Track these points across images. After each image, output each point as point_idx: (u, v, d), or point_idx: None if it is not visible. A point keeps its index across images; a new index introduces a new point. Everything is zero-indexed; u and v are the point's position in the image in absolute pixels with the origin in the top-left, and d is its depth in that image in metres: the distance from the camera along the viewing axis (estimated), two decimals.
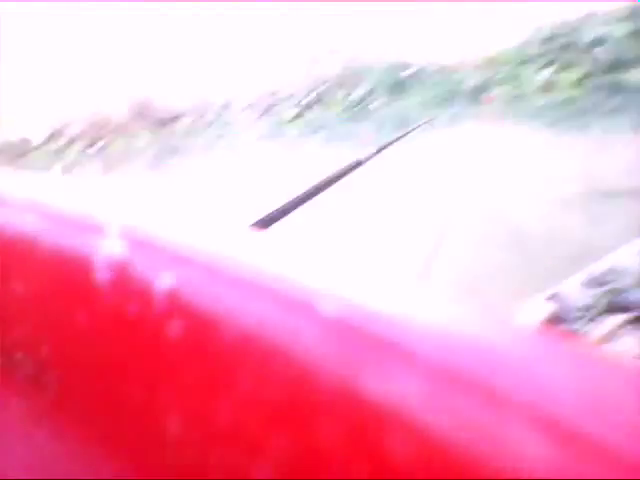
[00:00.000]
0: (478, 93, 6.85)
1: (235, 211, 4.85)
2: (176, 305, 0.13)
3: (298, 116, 8.78)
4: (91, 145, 10.08)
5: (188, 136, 10.14)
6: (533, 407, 0.07)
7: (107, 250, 0.14)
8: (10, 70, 10.98)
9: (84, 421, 0.16)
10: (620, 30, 6.27)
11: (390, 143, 2.90)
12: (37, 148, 9.68)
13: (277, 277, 0.13)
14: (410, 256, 2.67)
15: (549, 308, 1.56)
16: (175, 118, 10.36)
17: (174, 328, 0.12)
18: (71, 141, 10.01)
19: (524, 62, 6.94)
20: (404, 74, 8.10)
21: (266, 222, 1.01)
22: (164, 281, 0.13)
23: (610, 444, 0.07)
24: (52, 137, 9.84)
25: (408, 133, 5.05)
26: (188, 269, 0.13)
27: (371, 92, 8.12)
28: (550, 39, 7.03)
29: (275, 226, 1.04)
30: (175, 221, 0.17)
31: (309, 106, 8.71)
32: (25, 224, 0.16)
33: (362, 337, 0.09)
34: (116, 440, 0.15)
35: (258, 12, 10.64)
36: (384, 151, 2.31)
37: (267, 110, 9.42)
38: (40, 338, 0.16)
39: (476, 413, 0.08)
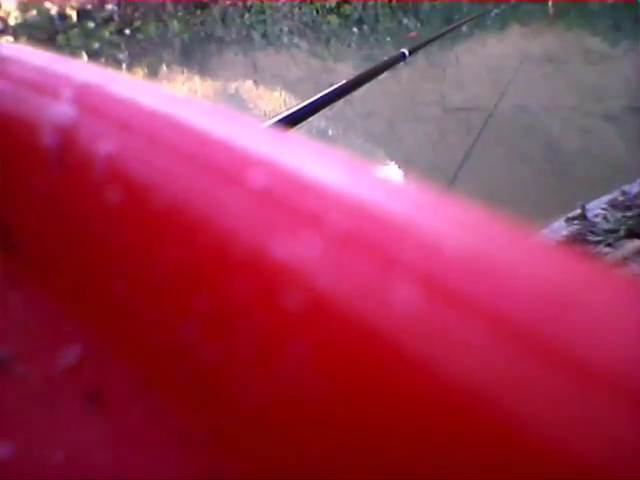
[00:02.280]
0: None
1: (269, 104, 4.73)
2: (114, 171, 0.15)
3: (340, 4, 8.23)
4: (124, 28, 9.80)
5: (223, 22, 9.73)
6: (418, 267, 0.08)
7: (56, 114, 0.16)
8: None
9: (48, 283, 0.19)
10: None
11: (436, 37, 2.72)
12: (73, 26, 9.48)
13: (214, 146, 0.13)
14: (441, 158, 2.60)
15: (571, 228, 1.50)
16: (212, 1, 9.86)
17: (112, 194, 0.15)
18: (105, 21, 9.75)
19: None
20: None
21: (313, 109, 0.99)
22: (104, 147, 0.15)
23: (495, 308, 0.08)
24: (87, 16, 9.58)
25: (456, 28, 4.72)
26: (129, 136, 0.15)
27: None
28: None
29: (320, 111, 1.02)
30: (132, 86, 0.17)
31: None
32: None
33: (279, 206, 0.11)
34: (72, 299, 0.18)
35: None
36: (428, 45, 2.16)
37: None
38: (3, 203, 0.19)
39: (364, 272, 0.09)
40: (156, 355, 0.16)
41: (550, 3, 5.79)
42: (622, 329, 0.08)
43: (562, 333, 0.08)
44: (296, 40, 7.65)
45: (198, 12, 9.26)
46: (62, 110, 0.16)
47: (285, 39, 7.77)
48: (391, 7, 7.66)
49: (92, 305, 0.17)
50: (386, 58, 1.56)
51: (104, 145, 0.15)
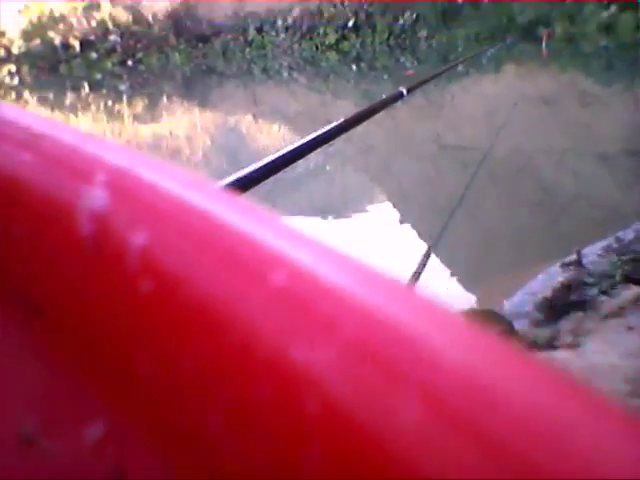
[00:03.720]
0: (535, 28, 6.39)
1: (268, 138, 4.76)
2: (147, 262, 0.15)
3: (339, 41, 8.42)
4: (126, 59, 9.96)
5: (225, 56, 9.91)
6: (421, 382, 0.09)
7: (91, 200, 0.16)
8: None
9: (73, 356, 0.19)
10: None
11: (433, 76, 2.76)
12: (75, 57, 9.62)
13: (242, 242, 0.13)
14: (436, 196, 2.60)
15: (567, 274, 1.49)
16: (213, 35, 10.07)
17: (144, 283, 0.15)
18: (108, 52, 9.91)
19: None
20: (457, 2, 7.59)
21: (315, 143, 1.00)
22: (138, 238, 0.15)
23: (487, 429, 0.08)
24: (90, 46, 9.74)
25: (452, 67, 4.80)
26: (161, 226, 0.15)
27: (418, 19, 7.66)
28: None
29: (318, 148, 1.03)
30: (163, 171, 0.17)
31: (352, 31, 8.31)
32: (22, 163, 0.18)
33: (298, 309, 0.12)
34: (97, 374, 0.18)
35: None
36: (427, 84, 2.19)
37: (308, 32, 9.04)
38: (33, 276, 0.19)
39: (373, 383, 0.10)
40: (178, 440, 0.16)
41: (544, 44, 5.92)
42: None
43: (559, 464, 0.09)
44: (295, 75, 7.78)
45: (200, 45, 9.44)
46: (96, 195, 0.17)
47: (285, 74, 7.90)
48: (389, 45, 7.83)
49: (117, 383, 0.17)
50: (384, 96, 1.58)
51: (137, 235, 0.15)
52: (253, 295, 0.13)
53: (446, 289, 1.70)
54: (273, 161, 0.89)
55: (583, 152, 3.11)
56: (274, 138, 4.55)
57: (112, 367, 0.17)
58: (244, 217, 0.15)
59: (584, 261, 1.53)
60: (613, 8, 6.22)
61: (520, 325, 1.35)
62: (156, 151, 4.28)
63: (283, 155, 0.92)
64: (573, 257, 1.54)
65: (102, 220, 0.16)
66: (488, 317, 1.41)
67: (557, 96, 4.69)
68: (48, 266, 0.19)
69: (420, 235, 2.27)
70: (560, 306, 1.34)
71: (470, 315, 1.40)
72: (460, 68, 5.02)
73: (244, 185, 0.79)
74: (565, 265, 1.54)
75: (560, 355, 1.25)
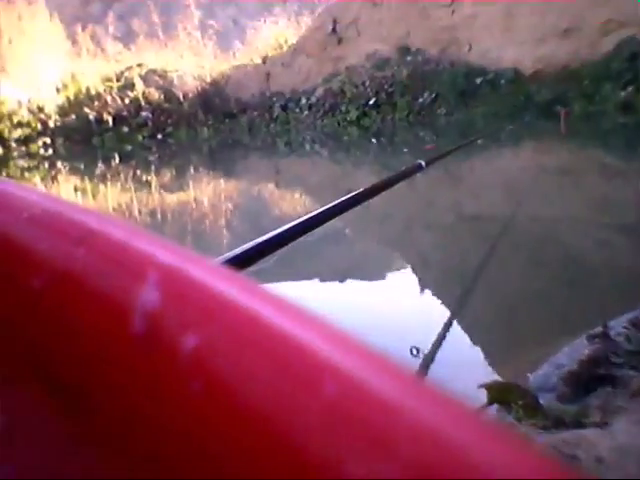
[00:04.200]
0: (553, 107, 6.55)
1: (290, 205, 4.82)
2: (198, 365, 0.15)
3: (361, 117, 8.76)
4: (156, 133, 10.49)
5: (250, 131, 10.36)
6: None
7: (143, 299, 0.17)
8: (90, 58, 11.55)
9: (111, 452, 0.18)
10: None
11: (452, 150, 2.81)
12: (108, 130, 10.18)
13: (294, 349, 0.14)
14: (456, 264, 2.56)
15: (593, 347, 1.43)
16: (240, 112, 10.60)
17: (194, 385, 0.16)
18: (139, 127, 10.47)
19: (605, 78, 6.59)
20: (476, 81, 7.89)
21: (332, 213, 1.02)
22: (189, 340, 0.16)
23: None
24: (122, 121, 10.31)
25: (472, 142, 4.90)
26: (213, 329, 0.16)
27: (437, 98, 7.96)
28: (636, 56, 6.63)
29: (336, 217, 1.04)
30: (213, 272, 0.17)
31: (373, 108, 8.65)
32: (77, 259, 0.18)
33: (349, 423, 0.12)
34: (135, 473, 0.17)
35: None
36: (446, 157, 2.22)
37: (331, 109, 9.45)
38: (77, 366, 0.19)
39: None
40: None
41: (562, 122, 6.04)
42: None
43: None
44: (317, 148, 8.04)
45: (227, 121, 9.90)
46: (148, 294, 0.16)
47: (307, 147, 8.17)
48: (408, 121, 8.08)
49: None
50: (404, 168, 1.60)
51: (189, 336, 0.15)
52: (304, 405, 0.13)
53: (468, 360, 1.63)
54: (293, 227, 0.89)
55: (605, 223, 3.07)
56: (296, 205, 4.62)
57: (152, 465, 0.17)
58: (293, 320, 0.15)
59: (611, 333, 1.48)
60: (630, 88, 6.36)
61: (545, 400, 1.29)
62: (181, 217, 4.36)
63: (303, 222, 0.92)
64: (599, 329, 1.49)
65: (154, 320, 0.16)
66: (511, 390, 1.35)
67: (577, 169, 4.71)
68: (97, 359, 0.18)
69: (440, 303, 2.22)
70: (587, 381, 1.26)
71: (493, 388, 1.33)
72: (479, 142, 5.12)
73: (263, 251, 0.78)
74: (591, 337, 1.47)
75: (588, 434, 1.18)
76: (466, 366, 1.54)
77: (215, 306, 0.16)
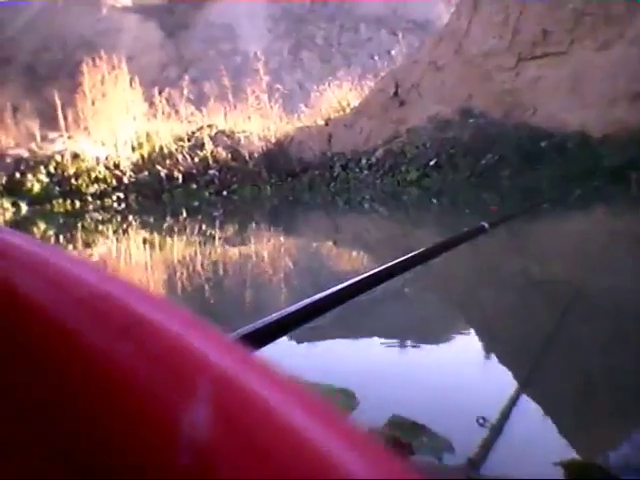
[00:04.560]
0: (623, 172, 6.34)
1: (348, 263, 4.81)
2: None
3: (421, 178, 8.80)
4: (222, 189, 10.95)
5: (311, 189, 10.61)
6: None
7: (191, 419, 0.14)
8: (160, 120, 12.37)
9: None
10: None
11: (518, 213, 2.75)
12: (177, 187, 10.73)
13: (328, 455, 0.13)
14: (524, 330, 2.45)
15: None
16: (302, 171, 10.92)
17: None
18: (206, 184, 10.98)
19: None
20: (541, 144, 7.79)
21: (399, 268, 1.01)
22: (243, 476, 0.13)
23: None
24: (191, 179, 10.85)
25: (538, 205, 4.75)
26: (273, 467, 0.13)
27: (502, 159, 7.90)
28: None
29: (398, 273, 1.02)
30: (274, 378, 0.15)
31: (434, 169, 8.69)
32: (120, 353, 0.16)
33: None
34: None
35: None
36: (511, 220, 2.17)
37: (391, 169, 9.57)
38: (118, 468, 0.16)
39: None
40: None
41: (633, 186, 5.83)
42: None
43: None
44: (377, 207, 8.10)
45: (289, 179, 10.20)
46: (198, 412, 0.14)
47: (366, 205, 8.25)
48: (470, 183, 8.02)
49: None
50: (466, 229, 1.57)
51: (242, 473, 0.13)
52: None
53: (539, 434, 1.53)
54: (352, 285, 0.89)
55: None
56: (354, 263, 4.62)
57: None
58: (320, 422, 0.13)
59: None
60: None
61: None
62: (242, 270, 4.44)
63: (362, 280, 0.91)
64: None
65: (202, 450, 0.14)
66: (592, 470, 1.25)
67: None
68: (134, 465, 0.16)
69: (508, 371, 2.12)
70: None
71: (571, 467, 1.24)
72: (545, 206, 5.00)
73: (322, 308, 0.78)
74: None
75: None
76: (537, 440, 1.45)
77: (275, 436, 0.13)
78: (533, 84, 9.19)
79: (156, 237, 6.35)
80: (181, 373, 0.15)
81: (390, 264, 1.03)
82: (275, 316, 0.70)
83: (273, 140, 11.08)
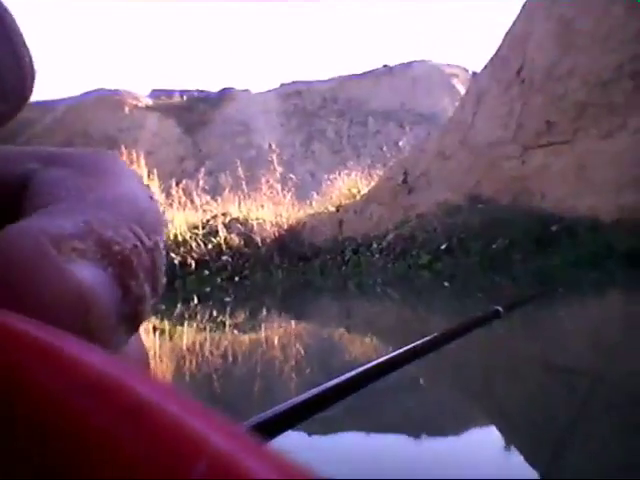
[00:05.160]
0: (636, 255, 6.30)
1: (360, 349, 4.71)
2: None
3: (432, 261, 8.81)
4: (234, 275, 11.02)
5: (323, 273, 10.65)
6: None
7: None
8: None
9: None
10: None
11: (532, 298, 2.71)
12: (190, 274, 10.82)
13: None
14: (542, 421, 2.34)
15: None
16: (314, 255, 11.02)
17: None
18: (219, 270, 11.06)
19: None
20: (552, 228, 7.84)
21: (411, 355, 0.97)
22: None
23: None
24: (204, 265, 10.98)
25: (553, 290, 4.68)
26: None
27: (513, 244, 7.92)
28: None
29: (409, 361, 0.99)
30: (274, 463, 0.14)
31: (445, 253, 8.71)
32: (122, 438, 0.15)
33: None
34: None
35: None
36: (525, 305, 2.14)
37: (402, 253, 9.62)
38: None
39: None
40: None
41: None
42: None
43: None
44: (389, 291, 8.05)
45: (301, 264, 10.26)
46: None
47: (378, 289, 8.20)
48: (481, 266, 8.00)
49: None
50: (480, 314, 1.54)
51: None
52: None
53: None
54: (364, 372, 0.85)
55: None
56: (366, 349, 4.52)
57: None
58: None
59: None
60: None
61: None
62: (250, 358, 4.36)
63: (374, 367, 0.87)
64: None
65: None
66: None
67: None
68: None
69: (527, 463, 2.01)
70: None
71: None
72: (560, 291, 4.94)
73: (330, 399, 0.74)
74: None
75: None
76: None
77: None
78: (540, 171, 9.42)
79: (166, 324, 6.31)
80: (179, 454, 0.15)
81: (402, 350, 0.99)
82: (283, 406, 0.68)
83: (285, 226, 11.29)
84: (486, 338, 3.85)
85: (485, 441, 2.33)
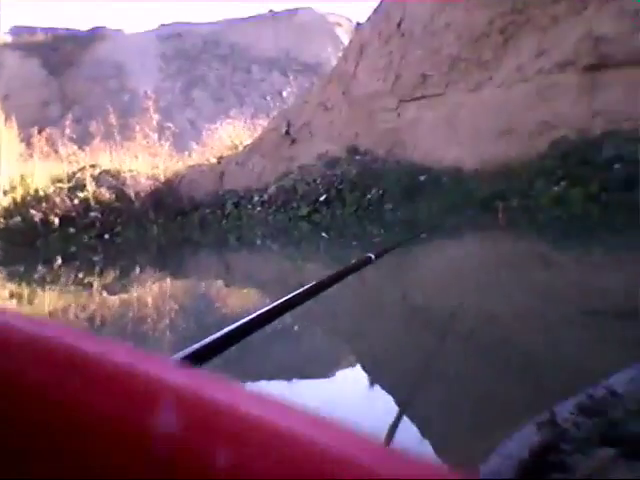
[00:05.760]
0: (492, 202, 6.82)
1: (239, 303, 4.68)
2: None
3: (312, 213, 8.91)
4: (104, 233, 10.33)
5: (202, 228, 10.35)
6: None
7: (163, 425, 0.17)
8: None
9: None
10: (638, 150, 6.29)
11: (400, 244, 2.84)
12: (54, 231, 9.96)
13: (315, 456, 0.16)
14: (406, 357, 2.50)
15: (542, 434, 1.40)
16: (192, 209, 10.64)
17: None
18: (86, 227, 10.30)
19: (539, 175, 6.97)
20: (420, 178, 8.22)
21: (283, 308, 1.00)
22: (219, 461, 0.16)
23: None
24: (70, 221, 10.14)
25: (418, 236, 4.96)
26: (240, 448, 0.16)
27: (384, 194, 8.22)
28: (568, 154, 7.11)
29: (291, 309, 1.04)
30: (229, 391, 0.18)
31: (324, 204, 8.85)
32: (73, 388, 0.19)
33: None
34: None
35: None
36: (394, 250, 2.23)
37: (283, 205, 9.61)
38: None
39: None
40: None
41: (500, 215, 6.28)
42: None
43: None
44: (268, 243, 8.05)
45: (179, 219, 9.87)
46: (165, 419, 0.16)
47: (258, 242, 8.17)
48: (357, 215, 8.24)
49: None
50: (353, 261, 1.59)
51: (215, 459, 0.15)
52: None
53: (417, 453, 1.50)
54: (243, 325, 0.84)
55: (547, 314, 3.07)
56: (245, 303, 4.48)
57: None
58: (304, 425, 0.16)
59: (558, 419, 1.45)
60: (563, 184, 6.72)
61: None
62: (121, 319, 4.14)
63: (252, 320, 0.88)
64: (547, 416, 1.45)
65: (175, 442, 0.16)
66: None
67: (517, 261, 4.81)
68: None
69: (391, 396, 2.15)
70: (538, 468, 1.28)
71: None
72: (424, 236, 5.22)
73: (212, 351, 0.75)
74: (539, 424, 1.46)
75: None
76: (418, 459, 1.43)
77: (238, 426, 0.16)
78: (413, 123, 9.76)
79: (25, 288, 5.79)
80: (141, 393, 0.17)
81: (280, 301, 1.01)
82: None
83: (162, 179, 10.73)
84: (359, 284, 3.98)
85: (354, 378, 2.47)
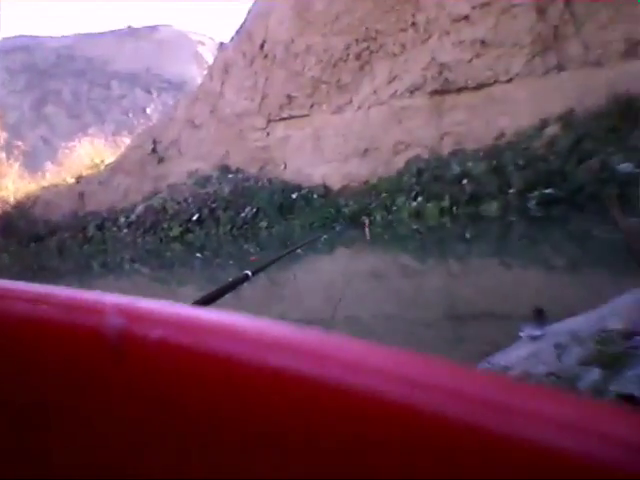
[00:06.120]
0: (358, 217, 7.22)
1: None
2: (165, 354, 0.20)
3: (184, 233, 8.70)
4: None
5: (61, 254, 9.56)
6: None
7: (111, 323, 0.21)
8: None
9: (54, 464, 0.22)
10: (481, 167, 7.10)
11: (275, 260, 2.91)
12: None
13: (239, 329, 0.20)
14: None
15: None
16: (49, 234, 9.80)
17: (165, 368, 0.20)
18: None
19: (399, 191, 7.55)
20: (292, 196, 8.45)
21: None
22: (154, 333, 0.20)
23: None
24: None
25: (291, 251, 5.07)
26: (171, 327, 0.20)
27: (259, 213, 8.30)
28: (422, 171, 7.79)
29: None
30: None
31: (196, 224, 8.68)
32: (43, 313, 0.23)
33: None
34: None
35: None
36: (269, 267, 2.27)
37: (153, 226, 9.25)
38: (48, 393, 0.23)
39: None
40: None
41: (366, 230, 6.68)
42: None
43: None
44: (137, 267, 7.68)
45: (33, 245, 9.05)
46: (115, 320, 0.20)
47: (127, 266, 7.76)
48: (232, 234, 8.22)
49: None
50: (230, 279, 1.59)
51: (152, 333, 0.19)
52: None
53: None
54: None
55: (409, 318, 3.33)
56: None
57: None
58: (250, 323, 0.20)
59: None
60: (419, 199, 7.34)
61: None
62: None
63: None
64: None
65: (121, 330, 0.20)
66: None
67: (383, 271, 5.15)
68: (67, 378, 0.21)
69: None
70: None
71: None
72: (299, 252, 5.37)
73: None
74: None
75: None
76: None
77: (170, 316, 0.20)
78: (282, 142, 10.01)
79: None
80: (92, 307, 0.21)
81: None
82: None
83: (12, 202, 9.78)
84: (235, 302, 3.97)
85: None
